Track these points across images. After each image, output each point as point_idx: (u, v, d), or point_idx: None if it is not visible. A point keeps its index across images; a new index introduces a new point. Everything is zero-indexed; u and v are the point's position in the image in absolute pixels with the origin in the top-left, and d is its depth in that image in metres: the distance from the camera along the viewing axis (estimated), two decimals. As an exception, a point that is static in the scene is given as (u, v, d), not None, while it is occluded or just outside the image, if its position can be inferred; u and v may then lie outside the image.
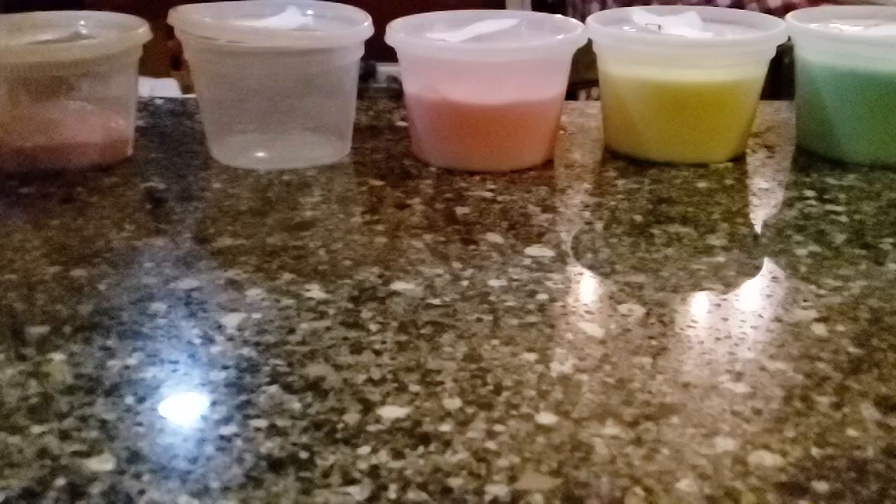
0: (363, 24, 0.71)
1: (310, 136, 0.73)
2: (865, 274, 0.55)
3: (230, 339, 0.48)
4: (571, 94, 0.93)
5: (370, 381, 0.44)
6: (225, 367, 0.45)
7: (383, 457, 0.39)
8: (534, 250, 0.58)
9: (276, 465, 0.38)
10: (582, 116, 0.85)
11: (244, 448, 0.39)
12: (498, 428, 0.41)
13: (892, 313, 0.50)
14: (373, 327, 0.49)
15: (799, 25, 0.73)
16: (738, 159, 0.74)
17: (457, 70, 0.70)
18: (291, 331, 0.48)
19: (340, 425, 0.41)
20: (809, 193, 0.67)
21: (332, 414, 0.42)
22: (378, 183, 0.69)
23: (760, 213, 0.65)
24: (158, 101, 0.89)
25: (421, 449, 0.39)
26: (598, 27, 0.73)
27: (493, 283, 0.53)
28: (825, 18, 0.76)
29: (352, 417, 0.41)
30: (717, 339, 0.48)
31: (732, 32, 0.75)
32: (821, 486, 0.37)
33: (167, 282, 0.54)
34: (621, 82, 0.73)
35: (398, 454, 0.39)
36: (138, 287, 0.53)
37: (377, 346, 0.47)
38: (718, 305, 0.52)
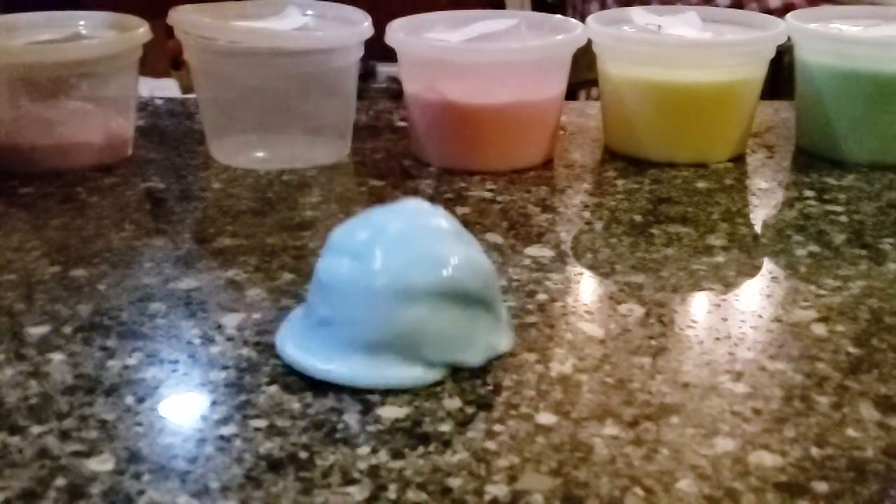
0: (363, 24, 0.71)
1: (309, 136, 0.73)
2: (865, 274, 0.55)
3: (230, 339, 0.48)
4: (571, 94, 0.93)
5: (370, 381, 0.44)
6: (225, 367, 0.45)
7: (383, 457, 0.39)
8: (534, 250, 0.58)
9: (275, 465, 0.38)
10: (582, 116, 0.85)
11: (244, 448, 0.39)
12: (498, 428, 0.41)
13: (892, 313, 0.50)
14: (373, 327, 0.49)
15: (799, 25, 0.73)
16: (738, 159, 0.74)
17: (457, 70, 0.70)
18: (291, 331, 0.48)
19: (340, 425, 0.41)
20: (809, 193, 0.67)
21: (331, 414, 0.42)
22: (378, 183, 0.69)
23: (760, 213, 0.65)
24: (158, 101, 0.89)
25: (421, 449, 0.39)
26: (598, 27, 0.73)
27: (493, 283, 0.53)
28: (825, 18, 0.76)
29: (352, 417, 0.41)
30: (717, 339, 0.48)
31: (732, 32, 0.75)
32: (821, 486, 0.37)
33: (167, 282, 0.54)
34: (621, 82, 0.73)
35: (398, 454, 0.39)
36: (138, 287, 0.53)
37: (377, 346, 0.47)
38: (718, 305, 0.52)
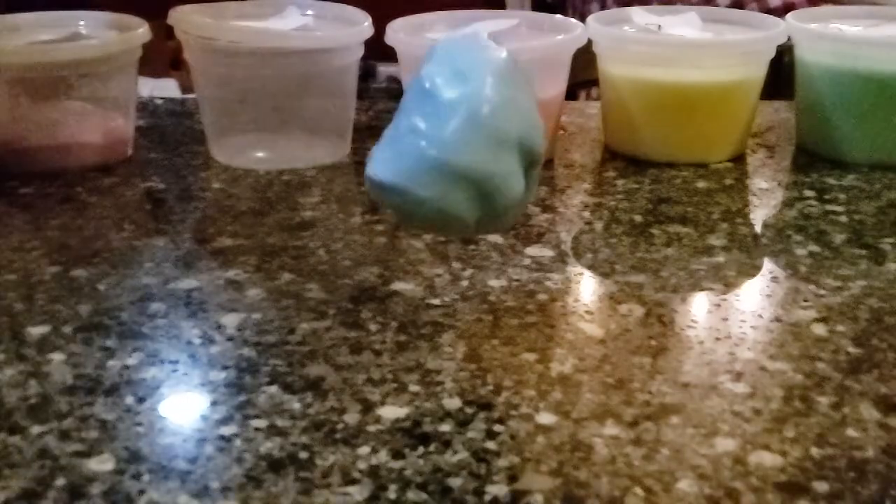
0: (363, 24, 0.71)
1: (310, 136, 0.73)
2: (865, 274, 0.55)
3: (230, 339, 0.48)
4: (571, 94, 0.93)
5: (370, 381, 0.44)
6: (225, 367, 0.45)
7: (383, 457, 0.39)
8: (534, 250, 0.58)
9: (275, 465, 0.38)
10: (582, 116, 0.85)
11: (244, 448, 0.39)
12: (498, 428, 0.41)
13: (892, 313, 0.50)
14: (373, 327, 0.49)
15: (799, 25, 0.73)
16: (738, 159, 0.74)
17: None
18: (291, 331, 0.48)
19: (340, 425, 0.41)
20: (809, 193, 0.67)
21: (332, 414, 0.42)
22: (378, 183, 0.69)
23: (760, 213, 0.65)
24: (158, 101, 0.89)
25: (421, 449, 0.39)
26: (598, 27, 0.73)
27: (493, 283, 0.53)
28: (825, 18, 0.76)
29: (352, 417, 0.41)
30: (717, 339, 0.48)
31: (732, 32, 0.75)
32: (821, 486, 0.37)
33: (167, 282, 0.54)
34: (621, 82, 0.73)
35: (398, 454, 0.39)
36: (138, 287, 0.53)
37: (377, 346, 0.47)
38: (718, 305, 0.52)
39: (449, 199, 0.42)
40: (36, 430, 0.41)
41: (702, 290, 0.53)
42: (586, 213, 0.64)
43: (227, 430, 0.40)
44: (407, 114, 0.44)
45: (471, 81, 0.43)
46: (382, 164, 0.44)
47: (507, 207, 0.44)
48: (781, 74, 0.83)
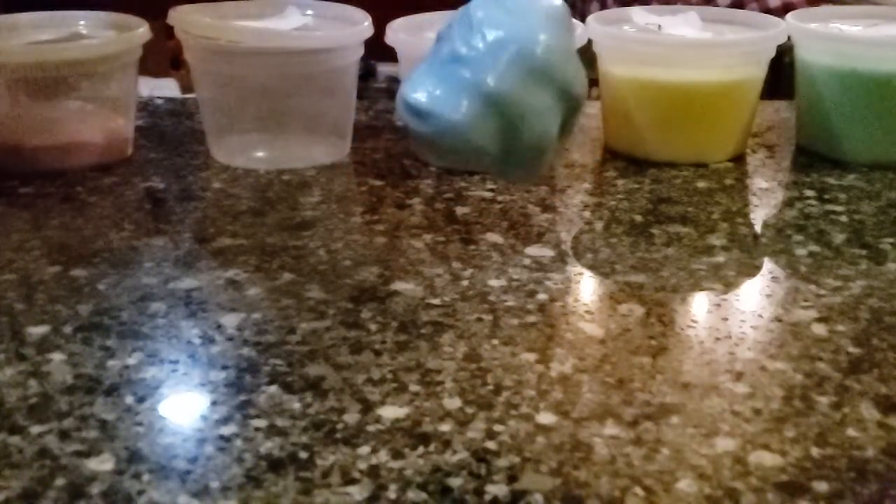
0: (363, 24, 0.71)
1: (310, 136, 0.73)
2: (865, 274, 0.55)
3: (230, 339, 0.48)
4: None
5: (370, 381, 0.44)
6: (225, 367, 0.45)
7: (383, 457, 0.39)
8: (534, 250, 0.58)
9: (275, 465, 0.38)
10: (582, 116, 0.84)
11: (244, 448, 0.39)
12: (498, 428, 0.41)
13: (892, 313, 0.50)
14: (373, 327, 0.49)
15: (799, 25, 0.73)
16: (738, 159, 0.74)
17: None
18: (291, 331, 0.48)
19: (340, 425, 0.41)
20: (809, 193, 0.67)
21: (331, 414, 0.42)
22: (378, 183, 0.69)
23: (760, 213, 0.65)
24: (158, 101, 0.89)
25: (421, 449, 0.39)
26: (598, 27, 0.73)
27: (493, 283, 0.53)
28: (825, 18, 0.76)
29: (352, 417, 0.41)
30: (717, 339, 0.48)
31: (732, 32, 0.75)
32: (821, 486, 0.37)
33: (167, 282, 0.54)
34: (621, 82, 0.73)
35: (398, 454, 0.39)
36: (138, 287, 0.53)
37: (377, 346, 0.47)
38: (718, 305, 0.52)
39: (477, 126, 0.44)
40: (36, 430, 0.41)
41: (702, 290, 0.53)
42: (586, 213, 0.64)
43: (227, 430, 0.41)
44: (450, 41, 0.45)
45: (524, 19, 0.44)
46: (419, 86, 0.45)
47: (533, 147, 0.45)
48: (781, 74, 0.83)
